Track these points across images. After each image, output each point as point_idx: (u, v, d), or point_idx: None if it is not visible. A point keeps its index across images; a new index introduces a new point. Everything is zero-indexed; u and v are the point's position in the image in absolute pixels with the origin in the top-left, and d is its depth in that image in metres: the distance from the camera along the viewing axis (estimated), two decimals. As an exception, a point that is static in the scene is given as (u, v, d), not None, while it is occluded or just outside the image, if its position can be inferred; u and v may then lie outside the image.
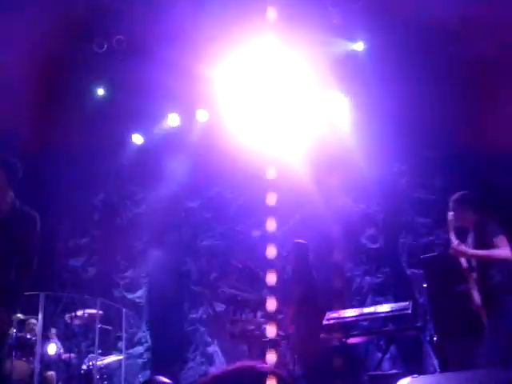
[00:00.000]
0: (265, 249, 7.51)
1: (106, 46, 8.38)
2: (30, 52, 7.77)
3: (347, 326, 7.01)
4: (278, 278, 6.97)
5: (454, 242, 5.34)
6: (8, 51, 7.60)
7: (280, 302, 6.85)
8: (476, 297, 5.40)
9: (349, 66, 8.13)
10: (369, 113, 8.08)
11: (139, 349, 8.91)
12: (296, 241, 7.32)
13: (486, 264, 5.27)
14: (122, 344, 8.49)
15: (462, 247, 5.29)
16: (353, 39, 8.29)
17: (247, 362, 2.07)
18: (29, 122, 8.37)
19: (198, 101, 9.07)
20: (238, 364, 2.03)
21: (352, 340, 6.84)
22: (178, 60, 7.94)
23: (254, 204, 9.03)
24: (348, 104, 8.41)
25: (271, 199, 4.27)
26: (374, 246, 8.13)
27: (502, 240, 5.17)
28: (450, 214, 5.51)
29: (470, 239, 5.44)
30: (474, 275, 5.40)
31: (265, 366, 2.01)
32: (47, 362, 7.59)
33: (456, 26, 7.49)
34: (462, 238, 5.44)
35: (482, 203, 5.59)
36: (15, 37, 7.75)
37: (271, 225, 4.20)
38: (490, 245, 5.22)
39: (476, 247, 5.32)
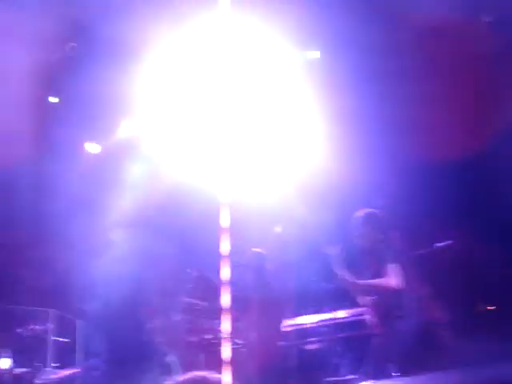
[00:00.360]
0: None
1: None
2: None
3: (306, 333, 7.07)
4: (236, 286, 7.00)
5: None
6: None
7: (238, 309, 6.89)
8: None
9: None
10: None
11: (95, 361, 8.76)
12: (253, 250, 7.41)
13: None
14: (77, 357, 8.35)
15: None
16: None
17: (199, 373, 2.06)
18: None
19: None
20: (190, 375, 2.02)
21: (310, 346, 6.88)
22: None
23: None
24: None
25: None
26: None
27: (392, 269, 5.20)
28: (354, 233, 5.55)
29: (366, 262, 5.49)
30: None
31: (216, 376, 1.98)
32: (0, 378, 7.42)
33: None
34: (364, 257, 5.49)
35: (387, 224, 5.63)
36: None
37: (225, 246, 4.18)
38: (382, 272, 5.28)
39: (370, 271, 5.38)
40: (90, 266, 9.26)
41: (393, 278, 5.19)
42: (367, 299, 5.55)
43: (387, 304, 5.33)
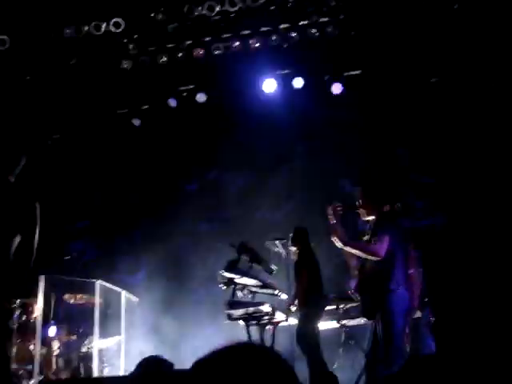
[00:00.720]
0: (266, 232, 7.60)
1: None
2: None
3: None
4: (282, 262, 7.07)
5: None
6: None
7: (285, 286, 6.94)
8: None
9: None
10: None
11: (139, 330, 8.96)
12: (297, 227, 7.46)
13: None
14: (121, 326, 8.58)
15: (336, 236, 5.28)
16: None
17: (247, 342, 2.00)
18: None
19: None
20: (238, 342, 1.98)
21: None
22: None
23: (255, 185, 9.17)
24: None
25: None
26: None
27: (381, 237, 5.15)
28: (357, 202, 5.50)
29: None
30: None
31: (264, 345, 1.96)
32: (49, 345, 7.64)
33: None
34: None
35: (389, 197, 5.59)
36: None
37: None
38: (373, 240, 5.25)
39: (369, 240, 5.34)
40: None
41: (378, 246, 5.14)
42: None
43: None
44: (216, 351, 1.84)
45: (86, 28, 8.27)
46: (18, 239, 4.28)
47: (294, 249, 7.50)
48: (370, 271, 5.26)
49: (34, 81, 8.86)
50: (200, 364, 1.81)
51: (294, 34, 8.47)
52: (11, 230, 4.28)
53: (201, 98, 9.25)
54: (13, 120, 8.12)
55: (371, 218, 5.46)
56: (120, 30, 8.29)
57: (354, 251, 5.35)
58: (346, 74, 9.11)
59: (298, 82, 9.05)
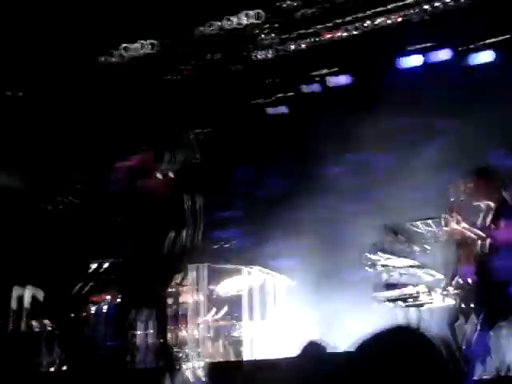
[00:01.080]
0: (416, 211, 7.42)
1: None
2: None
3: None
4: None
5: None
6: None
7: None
8: None
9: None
10: None
11: (294, 314, 9.11)
12: None
13: None
14: (274, 311, 8.80)
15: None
16: None
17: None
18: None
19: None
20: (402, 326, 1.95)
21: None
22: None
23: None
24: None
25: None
26: None
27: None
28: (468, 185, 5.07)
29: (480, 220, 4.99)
30: None
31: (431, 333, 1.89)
32: (201, 329, 8.03)
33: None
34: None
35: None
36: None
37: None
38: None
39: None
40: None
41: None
42: None
43: None
44: (379, 334, 1.85)
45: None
46: (172, 234, 4.55)
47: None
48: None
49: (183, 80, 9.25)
50: (364, 348, 1.83)
51: (437, 4, 8.14)
52: (168, 227, 4.56)
53: (342, 80, 9.23)
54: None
55: (486, 202, 5.14)
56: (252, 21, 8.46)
57: (475, 233, 5.06)
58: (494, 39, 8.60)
59: (444, 54, 8.71)
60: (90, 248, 7.80)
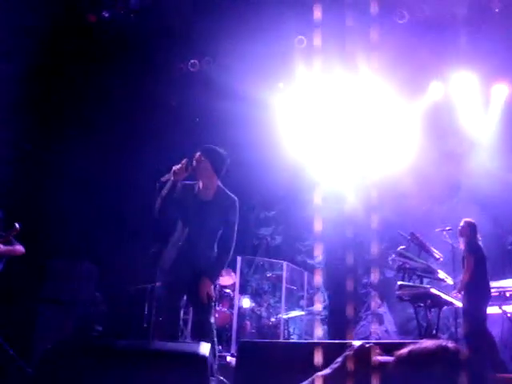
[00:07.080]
0: (430, 223, 8.19)
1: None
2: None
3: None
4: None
5: None
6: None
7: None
8: None
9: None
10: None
11: (318, 307, 9.99)
12: (466, 219, 7.84)
13: None
14: (303, 302, 9.73)
15: None
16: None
17: (439, 342, 2.07)
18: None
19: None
20: (431, 343, 2.07)
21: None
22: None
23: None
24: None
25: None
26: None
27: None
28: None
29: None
30: None
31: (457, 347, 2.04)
32: (243, 313, 8.96)
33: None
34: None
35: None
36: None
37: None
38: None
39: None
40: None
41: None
42: None
43: None
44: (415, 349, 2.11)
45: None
46: (220, 232, 5.06)
47: (461, 239, 7.95)
48: None
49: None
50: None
51: None
52: (216, 226, 5.03)
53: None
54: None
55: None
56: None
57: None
58: None
59: None
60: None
